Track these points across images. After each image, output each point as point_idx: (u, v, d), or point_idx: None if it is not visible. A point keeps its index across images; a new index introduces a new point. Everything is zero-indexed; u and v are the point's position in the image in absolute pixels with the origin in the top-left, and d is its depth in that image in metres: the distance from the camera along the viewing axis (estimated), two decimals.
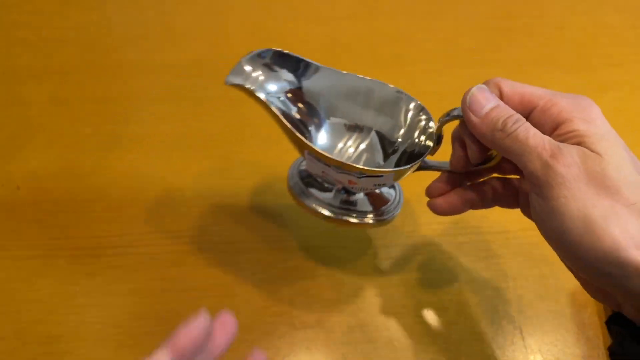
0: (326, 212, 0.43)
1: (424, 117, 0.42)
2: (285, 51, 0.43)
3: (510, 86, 0.35)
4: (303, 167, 0.46)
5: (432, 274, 0.49)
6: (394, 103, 0.43)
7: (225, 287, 0.48)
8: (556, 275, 0.48)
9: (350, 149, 0.45)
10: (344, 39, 0.65)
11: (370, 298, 0.47)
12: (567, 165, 0.30)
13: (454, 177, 0.40)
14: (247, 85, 0.40)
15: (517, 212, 0.40)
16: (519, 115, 0.33)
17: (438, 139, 0.40)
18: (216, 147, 0.57)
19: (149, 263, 0.49)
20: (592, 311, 0.46)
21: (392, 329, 0.45)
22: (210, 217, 0.51)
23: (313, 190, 0.44)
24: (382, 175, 0.39)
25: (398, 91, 0.43)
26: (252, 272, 0.48)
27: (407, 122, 0.43)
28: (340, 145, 0.45)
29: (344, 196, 0.44)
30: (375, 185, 0.41)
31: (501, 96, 0.35)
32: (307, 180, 0.45)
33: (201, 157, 0.56)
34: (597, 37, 0.66)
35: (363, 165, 0.43)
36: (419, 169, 0.41)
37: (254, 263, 0.49)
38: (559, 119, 0.32)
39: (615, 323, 0.35)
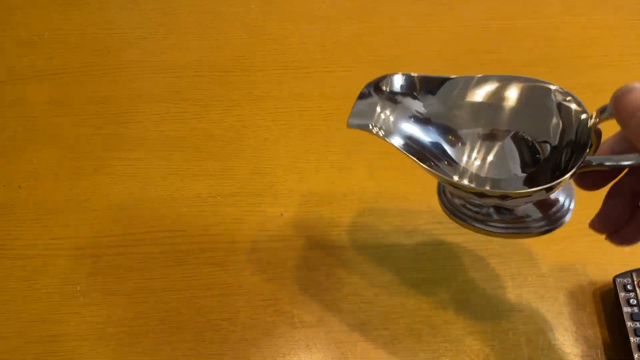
0: (490, 229, 0.37)
1: (574, 108, 0.33)
2: (406, 73, 0.36)
3: None
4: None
5: (432, 273, 0.49)
6: (534, 97, 0.35)
7: (225, 287, 0.48)
8: (556, 275, 0.48)
9: (491, 163, 0.37)
10: (344, 39, 0.65)
11: (370, 297, 0.47)
12: None
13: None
14: (375, 130, 0.34)
15: None
16: None
17: (597, 134, 0.31)
18: (216, 147, 0.57)
19: (149, 263, 0.49)
20: (591, 311, 0.46)
21: (392, 329, 0.45)
22: (210, 217, 0.52)
23: (467, 208, 0.38)
24: (531, 194, 0.32)
25: (536, 82, 0.35)
26: (252, 272, 0.48)
27: (555, 118, 0.34)
28: (478, 161, 0.37)
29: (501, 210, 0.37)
30: (526, 202, 0.35)
31: None
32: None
33: (201, 157, 0.56)
34: (597, 37, 0.66)
35: (509, 181, 0.35)
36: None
37: (254, 263, 0.49)
38: None
39: None
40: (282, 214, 0.52)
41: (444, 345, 0.44)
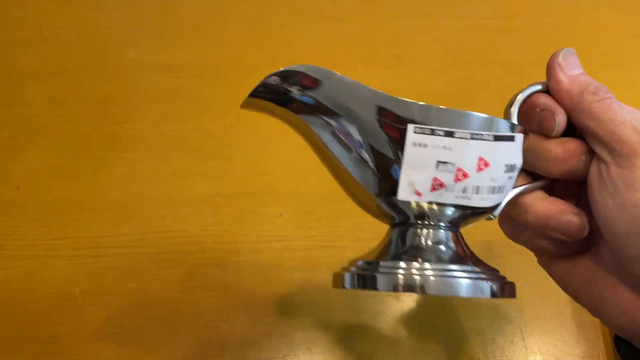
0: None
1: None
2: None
3: None
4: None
5: None
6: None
7: (225, 287, 0.48)
8: None
9: None
10: (344, 39, 0.65)
11: (370, 299, 0.47)
12: None
13: None
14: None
15: None
16: (608, 89, 0.32)
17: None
18: (216, 147, 0.56)
19: (149, 263, 0.49)
20: None
21: (393, 330, 0.45)
22: (210, 217, 0.51)
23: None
24: (513, 139, 0.29)
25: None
26: (252, 272, 0.48)
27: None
28: None
29: None
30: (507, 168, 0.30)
31: None
32: None
33: (200, 157, 0.56)
34: (597, 37, 0.66)
35: None
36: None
37: (254, 263, 0.49)
38: None
39: (627, 342, 0.33)
40: (282, 214, 0.52)
41: (445, 345, 0.44)
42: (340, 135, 0.29)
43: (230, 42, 0.65)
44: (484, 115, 0.29)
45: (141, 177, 0.54)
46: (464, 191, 0.29)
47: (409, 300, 0.47)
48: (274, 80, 0.29)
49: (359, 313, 0.46)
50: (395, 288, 0.29)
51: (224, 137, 0.57)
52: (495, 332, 0.45)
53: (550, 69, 0.33)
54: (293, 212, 0.52)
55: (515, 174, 0.31)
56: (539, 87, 0.32)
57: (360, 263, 0.31)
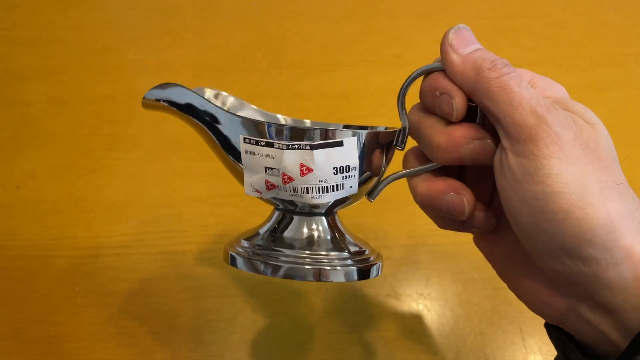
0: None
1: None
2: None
3: None
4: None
5: (432, 273, 0.48)
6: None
7: (225, 287, 0.48)
8: None
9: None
10: (344, 39, 0.65)
11: (370, 299, 0.47)
12: (563, 125, 0.26)
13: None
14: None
15: None
16: (507, 62, 0.29)
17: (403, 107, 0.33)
18: None
19: (148, 264, 0.49)
20: None
21: (393, 329, 0.45)
22: (210, 217, 0.51)
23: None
24: (342, 144, 0.31)
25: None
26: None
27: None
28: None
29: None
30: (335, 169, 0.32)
31: None
32: None
33: (201, 157, 0.56)
34: (597, 37, 0.66)
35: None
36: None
37: None
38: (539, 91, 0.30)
39: (556, 328, 0.31)
40: None
41: (445, 345, 0.44)
42: (214, 140, 0.33)
43: (230, 41, 0.65)
44: (308, 127, 0.33)
45: (140, 177, 0.54)
46: (294, 191, 0.32)
47: (408, 300, 0.47)
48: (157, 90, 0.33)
49: (359, 313, 0.46)
50: (264, 273, 0.34)
51: None
52: (495, 332, 0.45)
53: (442, 52, 0.30)
54: None
55: (353, 172, 0.32)
56: (437, 66, 0.31)
57: (245, 244, 0.36)
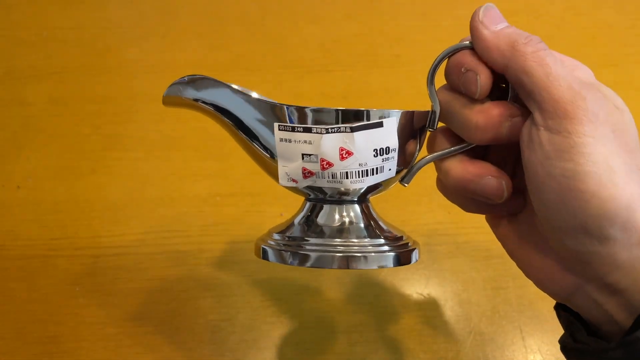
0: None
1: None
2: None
3: None
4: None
5: (432, 274, 0.48)
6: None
7: (225, 287, 0.48)
8: None
9: None
10: (344, 39, 0.65)
11: (370, 298, 0.47)
12: (600, 106, 0.27)
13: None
14: None
15: None
16: (541, 39, 0.29)
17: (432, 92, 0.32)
18: (215, 146, 0.56)
19: (148, 263, 0.49)
20: None
21: (392, 329, 0.45)
22: (210, 217, 0.51)
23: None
24: (381, 125, 0.31)
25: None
26: (252, 272, 0.48)
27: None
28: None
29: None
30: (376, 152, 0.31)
31: None
32: None
33: (200, 157, 0.56)
34: (597, 37, 0.66)
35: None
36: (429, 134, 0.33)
37: (254, 263, 0.49)
38: None
39: (565, 309, 0.32)
40: (282, 214, 0.52)
41: (445, 345, 0.44)
42: (240, 133, 0.33)
43: (230, 42, 0.65)
44: (345, 109, 0.31)
45: (141, 177, 0.54)
46: (333, 177, 0.31)
47: (408, 300, 0.47)
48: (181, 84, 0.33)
49: (359, 313, 0.46)
50: (299, 264, 0.33)
51: (224, 137, 0.57)
52: (495, 332, 0.45)
53: (472, 29, 0.30)
54: (293, 211, 0.52)
55: (393, 154, 0.32)
56: (466, 43, 0.31)
57: (277, 237, 0.35)
